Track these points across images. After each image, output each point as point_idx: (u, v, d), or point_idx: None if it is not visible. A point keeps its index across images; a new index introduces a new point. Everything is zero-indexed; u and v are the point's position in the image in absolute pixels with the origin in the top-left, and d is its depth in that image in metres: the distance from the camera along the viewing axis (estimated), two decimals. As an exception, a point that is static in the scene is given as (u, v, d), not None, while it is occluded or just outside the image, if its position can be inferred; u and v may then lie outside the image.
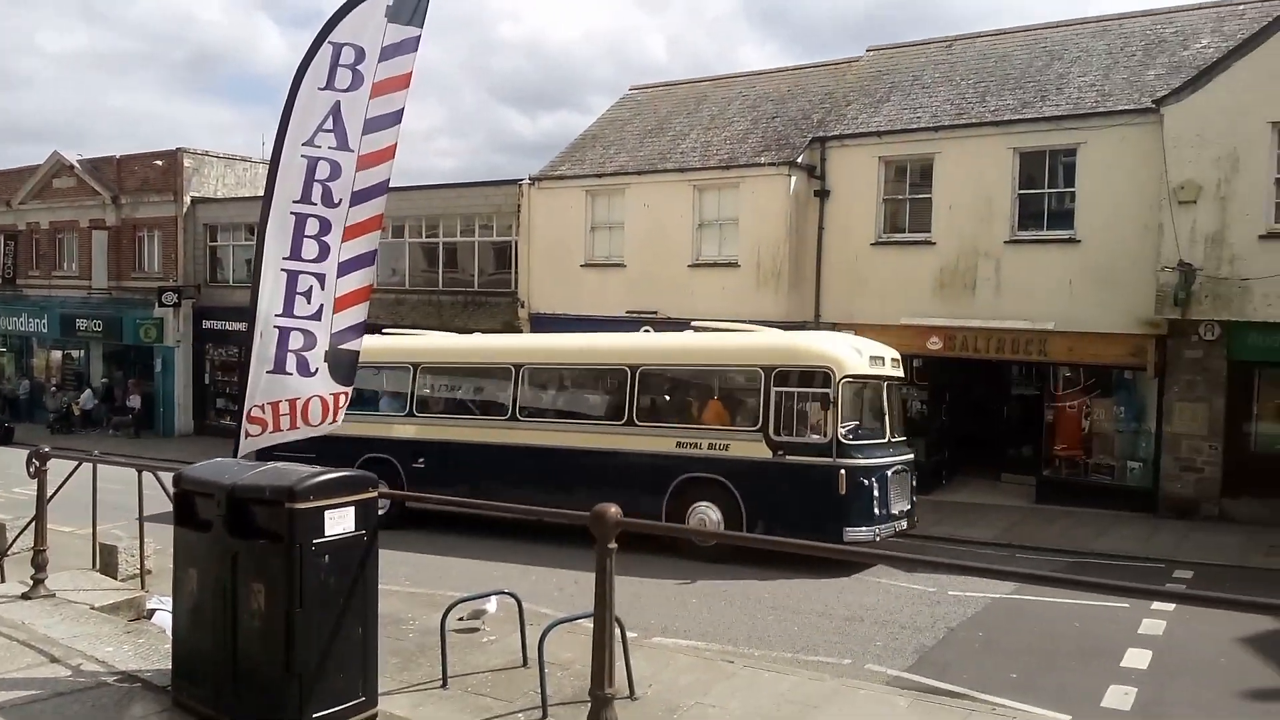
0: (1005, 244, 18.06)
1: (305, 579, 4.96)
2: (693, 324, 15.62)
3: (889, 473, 12.83)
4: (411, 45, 6.56)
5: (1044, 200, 18.07)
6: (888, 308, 18.96)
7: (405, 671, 6.82)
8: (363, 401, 16.03)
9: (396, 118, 6.59)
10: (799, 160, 19.84)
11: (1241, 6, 18.90)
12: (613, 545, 5.02)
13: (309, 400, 6.41)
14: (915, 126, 19.28)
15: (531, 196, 23.25)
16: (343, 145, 6.43)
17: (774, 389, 12.85)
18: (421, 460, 15.28)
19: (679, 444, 13.48)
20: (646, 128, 23.85)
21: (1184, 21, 19.30)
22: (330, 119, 6.38)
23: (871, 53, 23.22)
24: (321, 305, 6.41)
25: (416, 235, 25.93)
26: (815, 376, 12.76)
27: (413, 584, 10.66)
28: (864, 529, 12.32)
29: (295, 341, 6.36)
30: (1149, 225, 16.40)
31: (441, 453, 15.15)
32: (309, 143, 6.38)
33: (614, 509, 5.07)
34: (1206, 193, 15.75)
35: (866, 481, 12.42)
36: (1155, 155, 16.19)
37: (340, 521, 5.16)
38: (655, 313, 20.76)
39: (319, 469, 5.33)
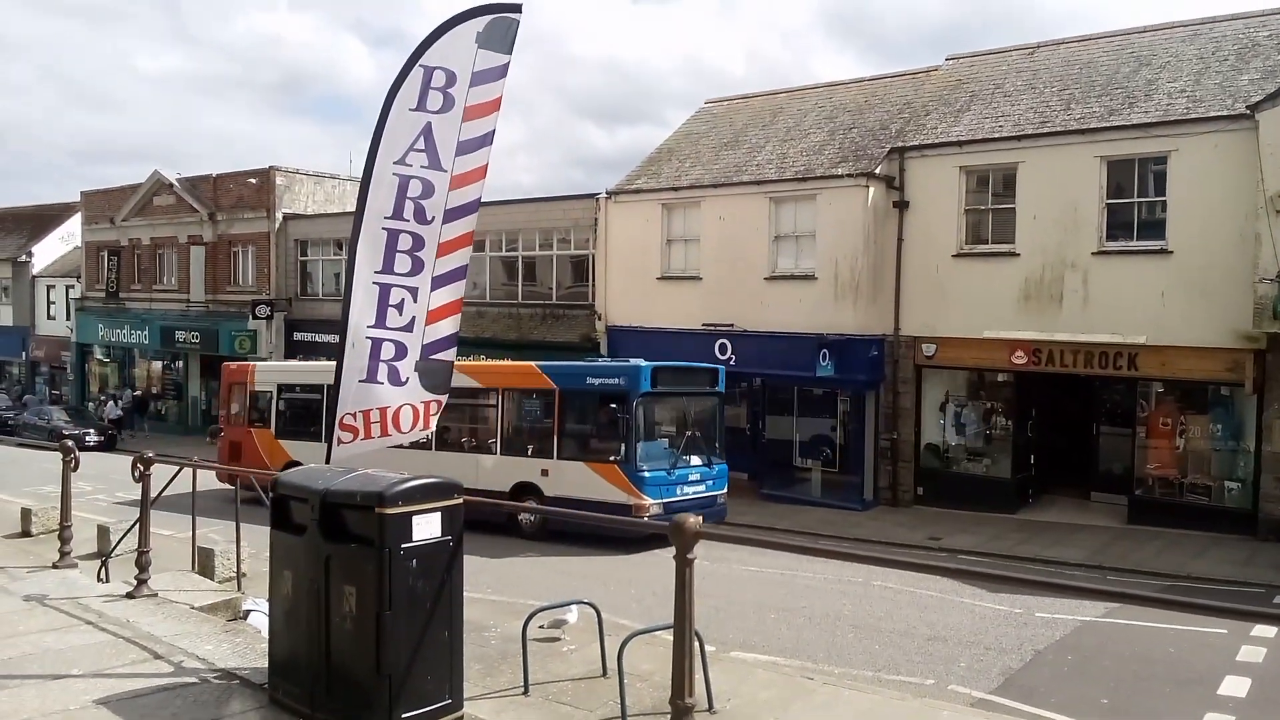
0: (1093, 255, 17.57)
1: (394, 582, 5.10)
2: None
3: None
4: (501, 71, 6.76)
5: (1133, 210, 17.55)
6: (970, 320, 18.61)
7: (489, 677, 6.94)
8: None
9: (488, 140, 6.79)
10: (877, 171, 19.64)
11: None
12: (692, 556, 5.02)
13: (400, 409, 6.62)
14: (997, 136, 18.93)
15: (608, 210, 23.47)
16: (435, 165, 6.63)
17: None
18: None
19: None
20: (722, 140, 23.89)
21: (1278, 24, 18.59)
22: (422, 139, 6.59)
23: (951, 61, 22.89)
24: (414, 317, 6.62)
25: (497, 249, 26.39)
26: None
27: (495, 592, 10.83)
28: None
29: (387, 352, 6.57)
30: (1245, 235, 15.80)
31: None
32: (400, 161, 6.59)
33: (693, 518, 5.07)
34: (1307, 201, 15.11)
35: None
36: (1250, 162, 15.60)
37: (427, 527, 5.29)
38: (732, 325, 20.74)
39: (407, 475, 5.48)
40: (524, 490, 16.11)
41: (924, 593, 11.89)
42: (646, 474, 15.21)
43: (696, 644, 6.37)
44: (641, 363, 15.96)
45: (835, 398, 20.84)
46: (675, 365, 16.89)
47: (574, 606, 7.87)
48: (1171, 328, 16.57)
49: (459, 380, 19.19)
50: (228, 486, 17.94)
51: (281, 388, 20.75)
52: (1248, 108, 15.90)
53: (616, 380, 15.66)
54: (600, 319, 23.50)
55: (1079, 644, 9.88)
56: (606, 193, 23.72)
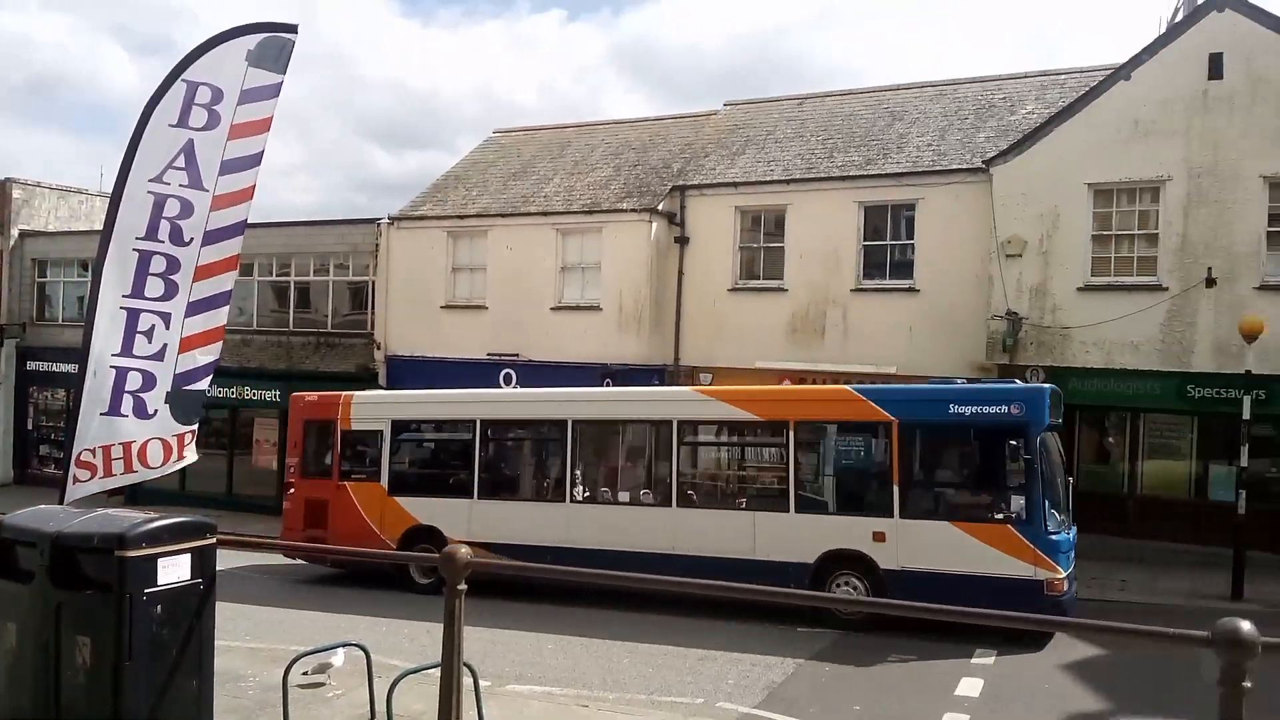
0: (851, 292, 18.97)
1: (135, 631, 4.74)
2: None
3: None
4: (273, 90, 6.54)
5: (887, 251, 19.11)
6: (744, 352, 19.55)
7: (245, 728, 6.54)
8: None
9: (256, 160, 6.52)
10: (660, 207, 20.35)
11: (1062, 76, 20.65)
12: (463, 587, 4.98)
13: (146, 443, 6.17)
14: (769, 179, 20.12)
15: (390, 236, 22.92)
16: (195, 184, 6.29)
17: None
18: None
19: None
20: (510, 171, 23.97)
21: (1011, 89, 20.92)
22: (182, 156, 6.25)
23: (728, 106, 24.13)
24: (165, 345, 6.21)
25: (267, 274, 25.08)
26: None
27: (254, 639, 10.20)
28: None
29: (133, 382, 6.11)
30: (981, 276, 17.57)
31: None
32: (157, 179, 6.21)
33: (464, 549, 5.04)
34: (1031, 247, 17.03)
35: None
36: (986, 212, 17.41)
37: (174, 570, 4.96)
38: (517, 355, 20.74)
39: (153, 515, 5.10)
40: (840, 562, 12.16)
41: (697, 618, 12.27)
42: (1056, 537, 11.40)
43: (470, 679, 6.30)
44: (1037, 384, 12.66)
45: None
46: (1055, 388, 12.68)
47: (340, 649, 7.57)
48: (919, 359, 18.08)
49: (722, 413, 13.35)
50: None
51: (400, 425, 15.46)
52: (984, 162, 17.74)
53: (1004, 408, 11.65)
54: (380, 348, 22.83)
55: (836, 655, 10.54)
56: (389, 218, 23.16)
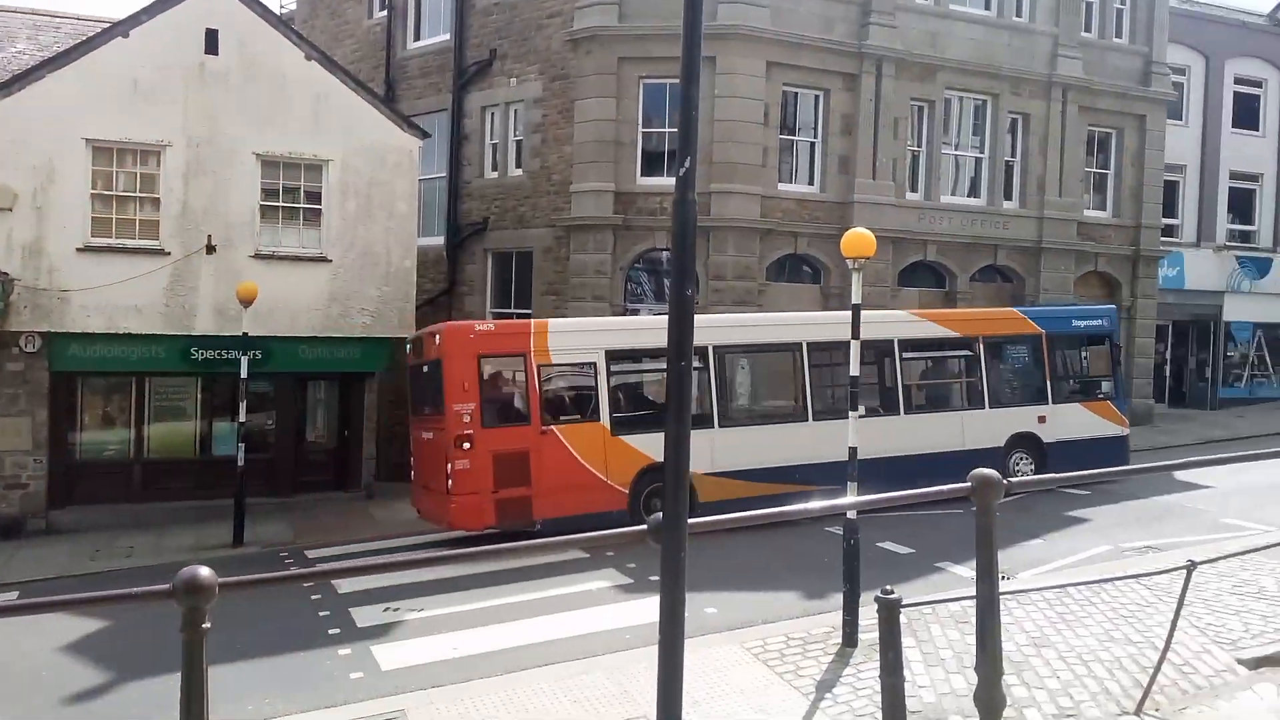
0: None
1: None
2: None
3: None
4: None
5: None
6: None
7: None
8: None
9: None
10: None
11: (59, 20, 19.08)
12: None
13: None
14: None
15: None
16: None
17: None
18: None
19: None
20: None
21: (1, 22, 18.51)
22: None
23: None
24: None
25: None
26: None
27: None
28: None
29: None
30: (-38, 229, 15.22)
31: None
32: None
33: None
34: (24, 201, 15.39)
35: None
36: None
37: None
38: None
39: None
40: (1018, 442, 15.78)
41: None
42: (1127, 405, 17.50)
43: None
44: (1109, 305, 19.13)
45: None
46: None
47: None
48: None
49: (933, 332, 16.10)
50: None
51: (617, 357, 13.96)
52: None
53: (1100, 321, 17.15)
54: None
55: None
56: None
